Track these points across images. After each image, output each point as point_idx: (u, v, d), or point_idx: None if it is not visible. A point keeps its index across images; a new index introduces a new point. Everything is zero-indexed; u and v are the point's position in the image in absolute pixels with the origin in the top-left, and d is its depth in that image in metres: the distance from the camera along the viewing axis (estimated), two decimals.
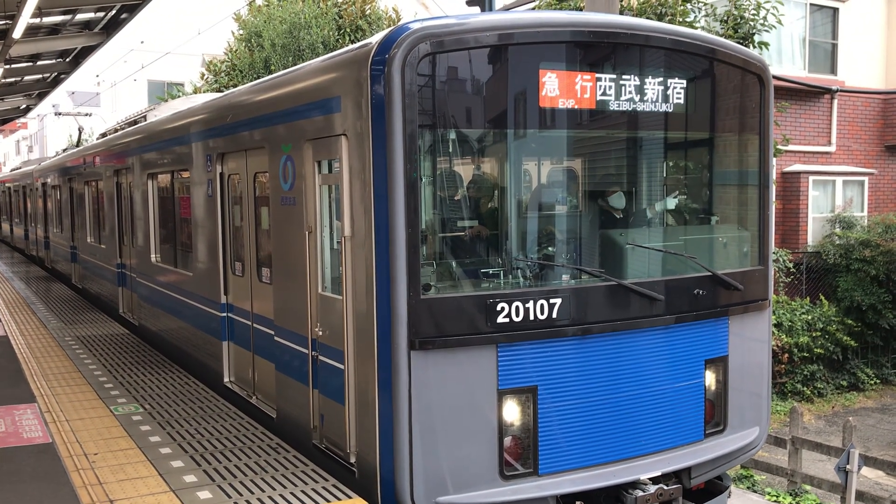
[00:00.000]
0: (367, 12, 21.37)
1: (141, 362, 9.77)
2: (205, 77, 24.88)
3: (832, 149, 19.90)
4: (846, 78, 20.49)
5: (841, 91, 19.85)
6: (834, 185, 19.56)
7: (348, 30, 20.76)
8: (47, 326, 12.25)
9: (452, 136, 5.61)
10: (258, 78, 19.04)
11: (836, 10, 20.50)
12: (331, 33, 20.22)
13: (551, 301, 5.48)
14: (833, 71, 20.47)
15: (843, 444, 10.97)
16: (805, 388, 16.29)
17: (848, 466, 9.36)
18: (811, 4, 19.95)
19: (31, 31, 16.28)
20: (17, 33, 13.99)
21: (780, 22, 14.70)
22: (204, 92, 21.79)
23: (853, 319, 17.17)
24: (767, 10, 14.46)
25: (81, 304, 14.87)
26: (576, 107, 5.67)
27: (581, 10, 12.84)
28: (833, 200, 19.51)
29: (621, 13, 12.23)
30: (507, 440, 5.50)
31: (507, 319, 5.36)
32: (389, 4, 22.48)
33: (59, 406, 7.76)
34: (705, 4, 15.02)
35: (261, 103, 7.25)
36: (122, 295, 12.89)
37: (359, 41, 11.58)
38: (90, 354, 10.20)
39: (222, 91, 18.05)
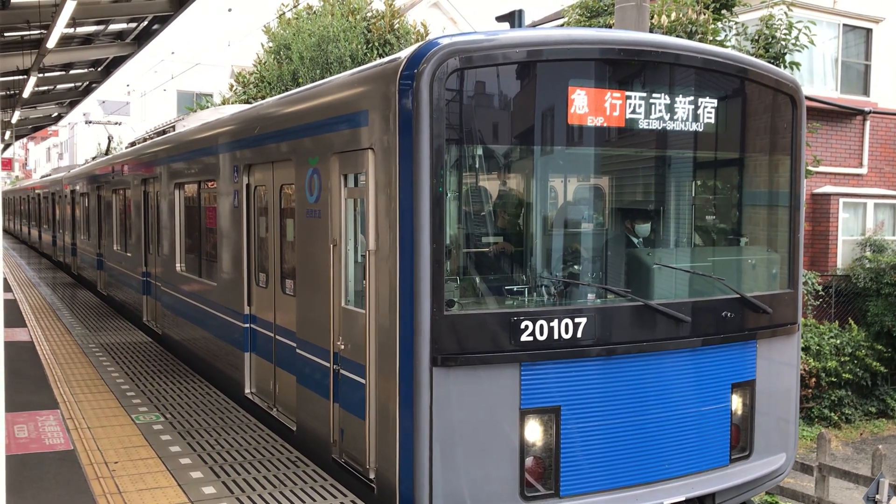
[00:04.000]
0: (396, 27, 21.48)
1: (163, 371, 9.80)
2: (233, 88, 25.12)
3: (864, 171, 19.63)
4: (879, 99, 20.22)
5: (873, 112, 19.59)
6: (865, 207, 19.28)
7: (377, 44, 20.87)
8: (72, 333, 12.35)
9: (479, 151, 5.58)
10: (286, 90, 19.19)
11: (869, 30, 20.28)
12: (359, 47, 20.34)
13: (576, 320, 5.41)
14: (866, 92, 20.22)
15: (872, 473, 10.73)
16: (832, 414, 15.99)
17: (877, 496, 9.13)
18: (844, 25, 19.75)
19: (65, 41, 16.52)
20: (51, 43, 14.22)
21: (812, 42, 14.56)
22: (232, 103, 21.98)
23: (883, 344, 16.85)
24: (799, 30, 14.33)
25: (106, 311, 14.98)
26: (604, 124, 5.62)
27: (611, 27, 12.80)
28: (864, 223, 19.21)
29: (651, 31, 12.16)
30: (529, 460, 5.43)
31: (531, 338, 5.30)
32: (418, 19, 22.60)
33: (82, 413, 7.79)
34: (736, 23, 14.92)
35: (288, 116, 7.26)
36: (147, 303, 12.97)
37: (387, 55, 11.60)
38: (113, 362, 10.25)
39: (251, 102, 18.19)
